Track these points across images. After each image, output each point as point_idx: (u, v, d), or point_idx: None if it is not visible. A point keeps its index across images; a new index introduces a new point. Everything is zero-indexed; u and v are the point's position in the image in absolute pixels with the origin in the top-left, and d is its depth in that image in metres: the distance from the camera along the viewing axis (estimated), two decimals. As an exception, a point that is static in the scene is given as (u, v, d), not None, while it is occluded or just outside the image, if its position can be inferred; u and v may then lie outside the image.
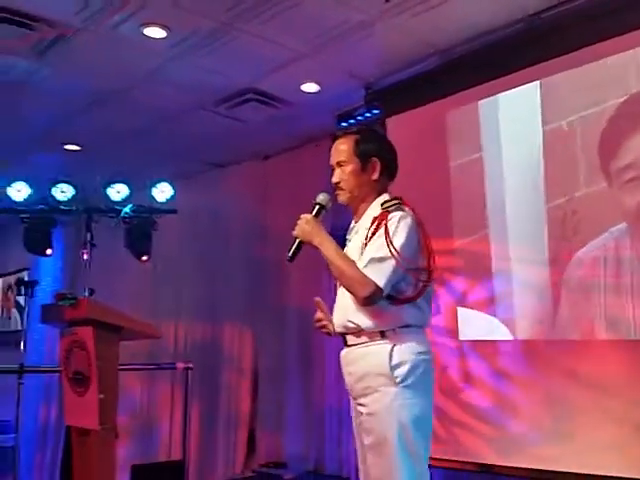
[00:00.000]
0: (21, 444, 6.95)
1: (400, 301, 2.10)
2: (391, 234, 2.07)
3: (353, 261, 2.13)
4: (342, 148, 2.30)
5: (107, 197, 4.97)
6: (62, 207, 4.94)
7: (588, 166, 3.63)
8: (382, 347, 2.09)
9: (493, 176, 4.11)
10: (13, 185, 4.90)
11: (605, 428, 3.37)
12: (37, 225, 5.02)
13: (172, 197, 5.09)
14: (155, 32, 3.91)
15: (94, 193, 5.02)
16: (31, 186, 4.96)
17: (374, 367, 2.08)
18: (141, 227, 5.06)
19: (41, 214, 4.99)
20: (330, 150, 2.38)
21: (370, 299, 2.06)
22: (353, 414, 2.26)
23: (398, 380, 2.05)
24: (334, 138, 2.37)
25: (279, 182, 5.98)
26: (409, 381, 2.06)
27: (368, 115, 5.03)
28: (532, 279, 3.85)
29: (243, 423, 5.63)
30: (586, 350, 3.56)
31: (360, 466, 2.23)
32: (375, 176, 2.27)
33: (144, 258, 5.04)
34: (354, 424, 2.25)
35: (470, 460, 4.00)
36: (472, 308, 4.14)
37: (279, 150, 6.01)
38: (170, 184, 5.11)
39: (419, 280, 2.12)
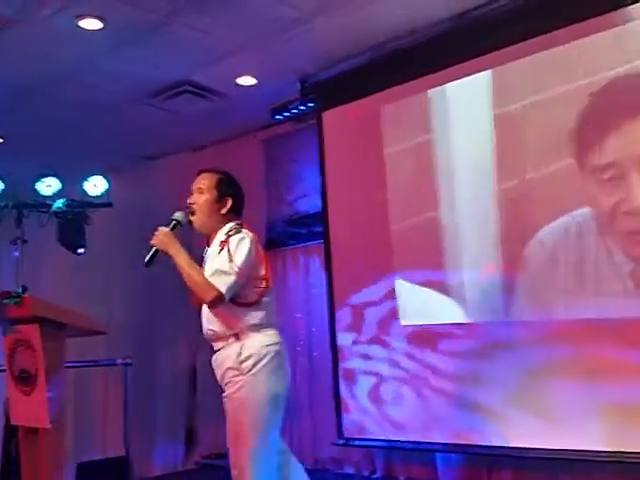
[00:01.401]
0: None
1: (245, 305, 2.54)
2: (232, 252, 2.50)
3: (201, 271, 2.55)
4: (206, 179, 2.74)
5: (37, 192, 4.82)
6: (-11, 203, 4.75)
7: (538, 150, 3.80)
8: (234, 346, 2.55)
9: (443, 162, 4.24)
10: None
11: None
12: (-37, 222, 4.81)
13: (106, 191, 5.00)
14: (90, 24, 3.83)
15: (23, 187, 4.85)
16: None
17: (229, 364, 2.55)
18: (74, 221, 4.94)
19: (-33, 210, 4.79)
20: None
21: (214, 302, 2.49)
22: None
23: (245, 371, 2.52)
24: (199, 172, 2.79)
25: (211, 174, 5.99)
26: (255, 370, 2.51)
27: (303, 108, 5.13)
28: (482, 260, 4.01)
29: (183, 416, 5.63)
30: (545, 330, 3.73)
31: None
32: (224, 211, 2.69)
33: (81, 251, 4.93)
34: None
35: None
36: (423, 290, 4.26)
37: (211, 142, 6.00)
38: (104, 177, 5.01)
39: (258, 287, 2.58)
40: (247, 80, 4.80)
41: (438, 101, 4.29)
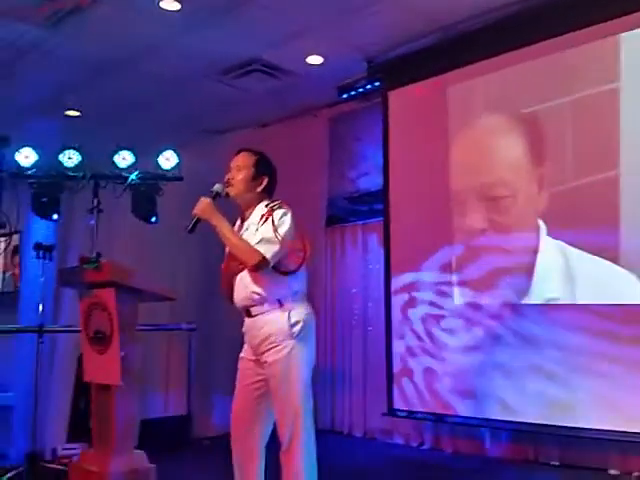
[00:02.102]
0: (17, 403, 7.19)
1: (286, 273, 2.70)
2: (276, 224, 2.66)
3: (244, 239, 2.69)
4: (244, 158, 2.86)
5: (114, 164, 5.08)
6: (69, 173, 5.03)
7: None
8: (278, 312, 2.68)
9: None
10: (21, 151, 4.97)
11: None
12: (45, 191, 5.11)
13: (177, 164, 5.21)
14: (169, 5, 4.01)
15: (100, 160, 5.12)
16: (38, 152, 5.04)
17: (277, 328, 2.67)
18: (147, 193, 5.18)
19: (49, 180, 5.09)
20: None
21: (258, 266, 2.64)
22: (247, 372, 2.78)
23: (294, 335, 2.66)
24: (239, 150, 2.90)
25: (276, 149, 6.10)
26: (301, 335, 2.68)
27: (369, 87, 5.20)
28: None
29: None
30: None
31: (248, 406, 2.76)
32: (260, 189, 2.81)
33: (153, 220, 5.18)
34: (246, 373, 2.79)
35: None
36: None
37: (278, 118, 6.14)
38: (175, 152, 5.22)
39: (298, 257, 2.73)
40: (315, 59, 4.91)
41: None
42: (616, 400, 3.72)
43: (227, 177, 2.81)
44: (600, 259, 3.81)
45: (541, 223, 4.09)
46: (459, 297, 4.50)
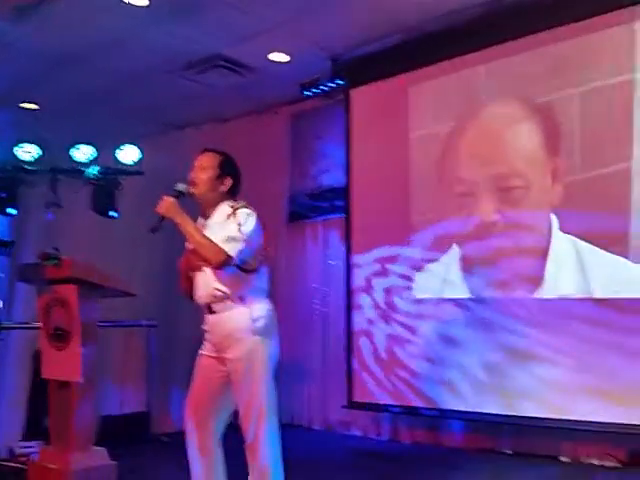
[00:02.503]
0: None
1: (249, 271, 2.76)
2: (241, 223, 2.71)
3: (208, 236, 2.71)
4: (208, 158, 2.88)
5: (72, 158, 5.02)
6: (27, 167, 4.96)
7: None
8: (241, 308, 2.73)
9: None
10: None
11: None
12: (1, 185, 5.03)
13: (139, 159, 5.19)
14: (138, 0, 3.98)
15: (59, 154, 5.05)
16: (-7, 146, 4.97)
17: (239, 324, 2.71)
18: (106, 188, 5.16)
19: (5, 174, 5.00)
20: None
21: (223, 263, 2.67)
22: (207, 369, 2.82)
23: (257, 332, 2.71)
24: (204, 150, 2.93)
25: (237, 146, 6.11)
26: (264, 331, 2.73)
27: (332, 85, 5.24)
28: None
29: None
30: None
31: (203, 400, 2.79)
32: (223, 189, 2.84)
33: (113, 214, 5.14)
34: (205, 368, 2.82)
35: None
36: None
37: (239, 114, 6.15)
38: (136, 146, 5.20)
39: (260, 257, 2.80)
40: (278, 56, 4.94)
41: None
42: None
43: (191, 176, 2.83)
44: (610, 254, 3.80)
45: (553, 217, 4.06)
46: (417, 293, 4.61)
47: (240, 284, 2.74)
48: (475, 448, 4.41)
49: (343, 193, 5.20)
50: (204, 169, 2.82)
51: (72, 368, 3.60)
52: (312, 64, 5.04)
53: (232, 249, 2.65)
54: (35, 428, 4.70)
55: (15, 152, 4.93)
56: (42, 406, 4.81)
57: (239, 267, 2.71)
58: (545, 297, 4.03)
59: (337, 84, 5.22)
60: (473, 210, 4.32)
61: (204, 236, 2.71)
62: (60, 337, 3.67)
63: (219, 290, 2.72)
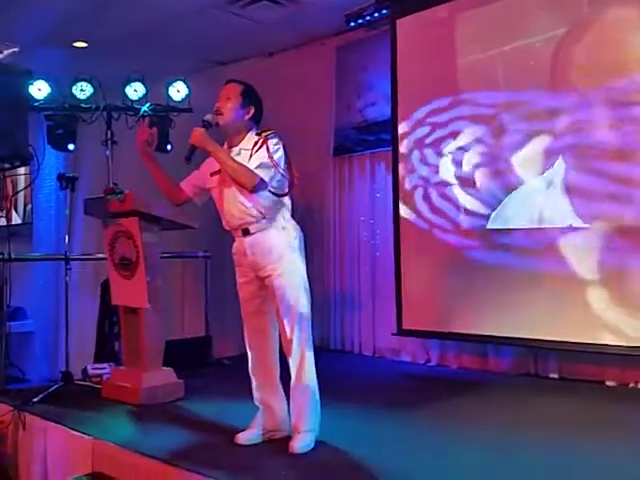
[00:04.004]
0: (37, 329, 7.48)
1: (280, 195, 2.98)
2: (272, 151, 2.89)
3: (242, 163, 2.88)
4: (232, 88, 3.03)
5: (125, 95, 5.15)
6: (83, 105, 5.11)
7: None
8: (280, 229, 2.96)
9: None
10: (34, 84, 5.03)
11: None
12: (60, 123, 5.21)
13: (187, 96, 5.29)
14: None
15: (112, 91, 5.18)
16: (50, 85, 5.11)
17: (280, 242, 2.94)
18: (159, 124, 5.27)
19: (63, 112, 5.17)
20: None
21: (257, 187, 2.87)
22: (249, 289, 3.04)
23: (295, 248, 2.98)
24: (227, 81, 3.07)
25: (283, 79, 6.16)
26: (298, 248, 3.00)
27: (377, 15, 5.20)
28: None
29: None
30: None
31: (260, 327, 3.06)
32: (247, 117, 3.00)
33: (168, 148, 5.28)
34: (248, 297, 3.05)
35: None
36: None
37: (284, 47, 6.14)
38: (184, 83, 5.29)
39: (289, 182, 2.99)
40: (323, -13, 4.91)
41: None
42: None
43: (217, 106, 2.97)
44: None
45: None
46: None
47: (274, 207, 2.95)
48: (521, 373, 4.56)
49: (389, 126, 5.23)
50: (228, 99, 2.97)
51: (139, 295, 3.86)
52: (357, -6, 5.02)
53: (265, 174, 2.85)
54: (105, 352, 5.05)
55: (71, 91, 5.07)
56: (110, 332, 5.20)
57: (271, 192, 2.92)
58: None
59: (382, 14, 5.18)
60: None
61: (237, 162, 2.87)
62: (127, 266, 3.92)
63: (256, 211, 2.91)
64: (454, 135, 4.75)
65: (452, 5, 4.70)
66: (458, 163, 4.73)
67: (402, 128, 5.08)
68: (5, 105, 3.24)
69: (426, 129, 4.92)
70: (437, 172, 4.86)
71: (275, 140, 2.93)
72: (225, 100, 2.97)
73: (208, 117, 2.94)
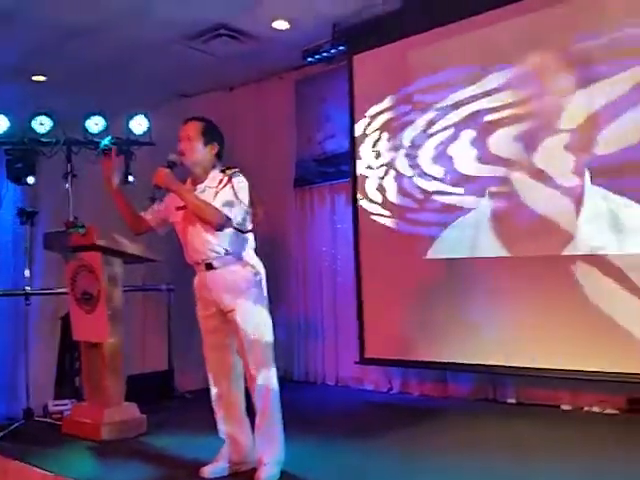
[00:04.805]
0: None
1: (243, 232, 3.02)
2: (236, 189, 2.96)
3: (207, 201, 2.95)
4: (193, 127, 3.06)
5: (86, 129, 5.16)
6: (42, 139, 5.10)
7: None
8: (239, 264, 3.00)
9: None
10: (-8, 118, 5.01)
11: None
12: (19, 157, 5.18)
13: (148, 129, 5.33)
14: (141, -28, 4.08)
15: (71, 125, 5.18)
16: (10, 119, 5.09)
17: (243, 277, 2.99)
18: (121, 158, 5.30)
19: (23, 146, 5.15)
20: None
21: (223, 225, 2.94)
22: (210, 323, 3.09)
23: (257, 285, 3.03)
24: (186, 120, 3.11)
25: (243, 112, 6.27)
26: (260, 283, 3.06)
27: (334, 51, 5.36)
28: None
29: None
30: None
31: (222, 359, 3.10)
32: (211, 155, 3.06)
33: (130, 179, 5.30)
34: (210, 331, 3.11)
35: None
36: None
37: (244, 81, 6.26)
38: (145, 116, 5.33)
39: (252, 219, 3.07)
40: (281, 24, 5.04)
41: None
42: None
43: (180, 148, 3.01)
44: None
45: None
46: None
47: (237, 243, 3.00)
48: (480, 398, 4.66)
49: (348, 158, 5.35)
50: (190, 139, 3.00)
51: (101, 329, 3.84)
52: (314, 31, 5.16)
53: (230, 212, 2.92)
54: (65, 388, 4.97)
55: (30, 124, 5.06)
56: (70, 367, 5.12)
57: (236, 228, 2.98)
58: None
59: (339, 50, 5.34)
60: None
61: (202, 201, 2.93)
62: (88, 301, 3.90)
63: (220, 248, 2.97)
64: (412, 164, 4.90)
65: (406, 42, 4.88)
66: (415, 191, 4.87)
67: (360, 159, 5.22)
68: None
69: (384, 159, 5.07)
70: (396, 201, 5.00)
71: (240, 178, 3.00)
72: (187, 140, 3.01)
73: (172, 157, 3.00)
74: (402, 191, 4.97)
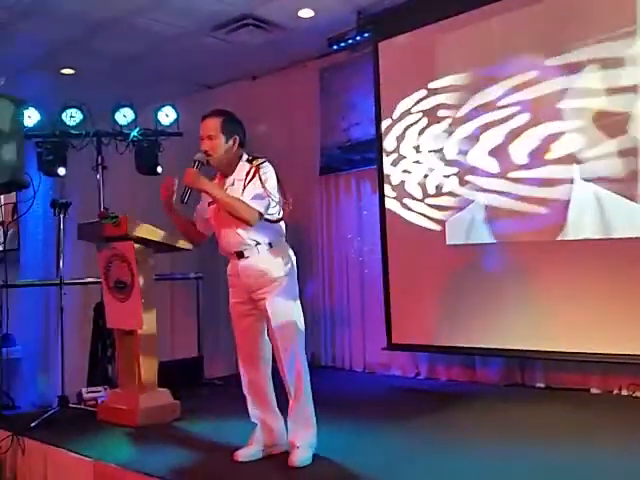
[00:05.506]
0: (25, 356, 7.47)
1: (273, 221, 3.07)
2: (264, 181, 2.99)
3: (237, 197, 2.98)
4: (212, 124, 3.06)
5: (115, 121, 5.24)
6: (72, 132, 5.19)
7: None
8: (270, 253, 3.04)
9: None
10: (24, 111, 5.09)
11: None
12: (50, 149, 5.28)
13: (176, 120, 5.39)
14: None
15: (100, 117, 5.27)
16: (40, 112, 5.19)
17: (273, 266, 3.03)
18: (149, 149, 5.38)
19: (54, 139, 5.25)
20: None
21: (254, 220, 2.98)
22: (241, 309, 3.12)
23: (287, 272, 3.06)
24: (204, 116, 3.10)
25: (268, 101, 6.30)
26: (291, 271, 3.10)
27: (359, 38, 5.36)
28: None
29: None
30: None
31: (252, 346, 3.14)
32: (235, 148, 3.08)
33: (159, 170, 5.38)
34: (240, 317, 3.13)
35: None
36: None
37: (268, 70, 6.28)
38: (173, 107, 5.39)
39: (281, 208, 3.09)
40: (306, 12, 5.05)
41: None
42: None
43: (203, 147, 3.03)
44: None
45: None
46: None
47: (268, 232, 3.04)
48: (509, 383, 4.67)
49: (374, 145, 5.36)
50: (212, 138, 3.01)
51: (135, 318, 3.92)
52: (339, 18, 5.16)
53: (261, 206, 2.96)
54: (98, 374, 5.09)
55: (61, 117, 5.16)
56: (103, 354, 5.24)
57: (266, 219, 3.02)
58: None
59: (364, 37, 5.33)
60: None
61: (233, 198, 2.97)
62: (121, 289, 3.98)
63: (250, 238, 3.02)
64: (437, 150, 4.90)
65: (432, 28, 4.86)
66: (442, 177, 4.88)
67: (387, 146, 5.23)
68: (2, 134, 3.32)
69: (409, 146, 5.08)
70: (422, 188, 5.01)
71: (266, 169, 3.02)
72: (209, 139, 3.02)
73: (198, 156, 3.00)
74: (428, 177, 4.97)
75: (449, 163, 4.84)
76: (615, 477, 2.73)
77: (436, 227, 4.92)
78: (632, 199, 3.99)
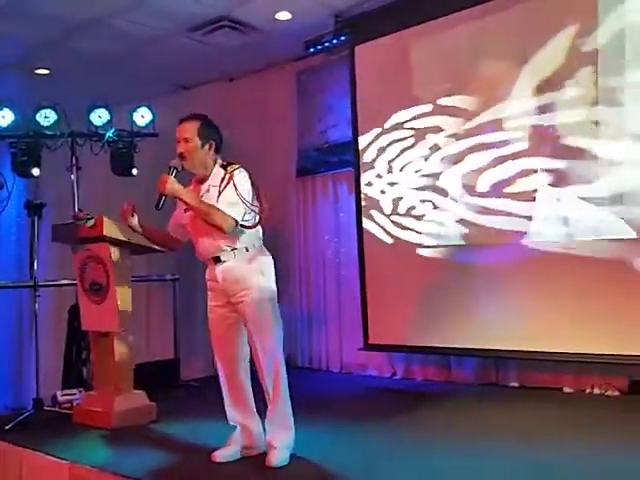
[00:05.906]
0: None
1: (249, 228, 3.06)
2: (239, 188, 2.98)
3: (213, 205, 2.98)
4: (188, 127, 3.06)
5: (90, 122, 5.20)
6: (47, 132, 5.14)
7: None
8: (246, 258, 3.05)
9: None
10: (-2, 112, 5.05)
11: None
12: (24, 150, 5.22)
13: (151, 121, 5.37)
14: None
15: (75, 118, 5.22)
16: (14, 112, 5.12)
17: (249, 270, 3.04)
18: (124, 150, 5.35)
19: (28, 139, 5.19)
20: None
21: (230, 227, 2.98)
22: (220, 312, 3.13)
23: (265, 275, 3.08)
24: (181, 119, 3.10)
25: (244, 102, 6.30)
26: (268, 275, 3.11)
27: (336, 42, 5.39)
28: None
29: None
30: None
31: (230, 348, 3.15)
32: (210, 153, 3.08)
33: (134, 172, 5.34)
34: (218, 320, 3.14)
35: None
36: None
37: (245, 72, 6.29)
38: (148, 108, 5.36)
39: (257, 214, 3.08)
40: (283, 15, 5.06)
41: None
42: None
43: (179, 151, 3.03)
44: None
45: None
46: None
47: (244, 237, 3.05)
48: (483, 383, 4.72)
49: (350, 147, 5.39)
50: (188, 141, 3.01)
51: (110, 319, 3.90)
52: (316, 21, 5.18)
53: (236, 213, 2.96)
54: (72, 377, 5.03)
55: (35, 117, 5.10)
56: (77, 357, 5.18)
57: (242, 225, 3.02)
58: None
59: (340, 40, 5.37)
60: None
61: (209, 206, 2.96)
62: (97, 291, 3.96)
63: (226, 245, 3.03)
64: (414, 150, 4.95)
65: (409, 32, 4.91)
66: (419, 178, 4.93)
67: (363, 148, 5.26)
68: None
69: (386, 147, 5.11)
70: (398, 188, 5.05)
71: (240, 175, 3.02)
72: (184, 142, 3.02)
73: (174, 163, 3.00)
74: (403, 180, 5.02)
75: (425, 165, 4.88)
76: (588, 475, 2.78)
77: (415, 226, 4.96)
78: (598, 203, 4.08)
